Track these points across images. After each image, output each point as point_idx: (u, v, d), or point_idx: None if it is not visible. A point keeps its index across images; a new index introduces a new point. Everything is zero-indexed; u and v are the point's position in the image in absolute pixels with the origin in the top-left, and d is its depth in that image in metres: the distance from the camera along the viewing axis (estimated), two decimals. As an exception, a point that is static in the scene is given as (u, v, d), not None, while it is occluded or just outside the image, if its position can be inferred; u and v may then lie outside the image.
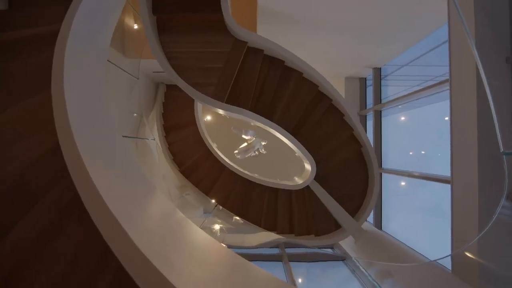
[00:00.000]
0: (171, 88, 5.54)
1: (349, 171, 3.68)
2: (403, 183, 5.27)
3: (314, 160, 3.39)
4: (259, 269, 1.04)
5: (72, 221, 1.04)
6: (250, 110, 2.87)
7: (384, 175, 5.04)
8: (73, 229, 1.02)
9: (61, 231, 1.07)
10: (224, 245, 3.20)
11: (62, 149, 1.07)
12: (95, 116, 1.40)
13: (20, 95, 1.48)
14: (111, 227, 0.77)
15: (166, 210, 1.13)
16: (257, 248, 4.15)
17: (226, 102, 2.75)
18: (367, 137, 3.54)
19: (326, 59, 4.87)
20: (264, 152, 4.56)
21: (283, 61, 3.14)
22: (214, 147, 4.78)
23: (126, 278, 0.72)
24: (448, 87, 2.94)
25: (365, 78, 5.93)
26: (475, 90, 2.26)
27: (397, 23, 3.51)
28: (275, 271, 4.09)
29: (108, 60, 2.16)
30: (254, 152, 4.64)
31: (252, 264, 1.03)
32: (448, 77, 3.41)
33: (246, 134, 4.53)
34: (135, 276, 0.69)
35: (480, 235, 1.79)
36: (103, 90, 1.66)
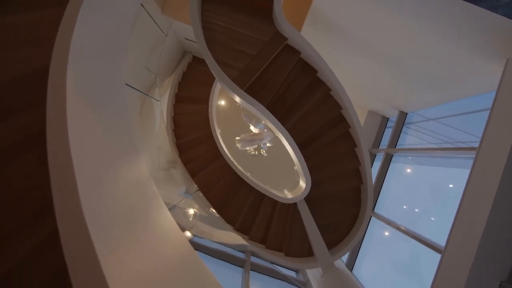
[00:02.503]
0: (197, 61, 5.41)
1: (341, 204, 3.53)
2: (386, 233, 5.14)
3: (311, 180, 3.23)
4: (210, 274, 0.89)
5: (33, 155, 0.90)
6: (267, 108, 2.71)
7: (372, 219, 4.89)
8: (30, 163, 0.88)
9: (18, 159, 0.93)
10: (189, 234, 3.06)
11: (50, 72, 0.93)
12: (103, 52, 1.26)
13: (32, 4, 1.34)
14: (62, 174, 0.63)
15: (139, 179, 0.98)
16: (224, 246, 4.01)
17: (245, 91, 2.59)
18: (371, 177, 3.39)
19: (357, 85, 4.68)
20: (265, 155, 4.37)
21: (316, 71, 2.99)
22: (218, 132, 4.63)
23: (55, 243, 0.57)
24: (473, 156, 2.77)
25: (388, 118, 5.76)
26: (503, 167, 2.10)
27: (442, 76, 3.33)
28: (234, 275, 3.96)
29: (141, 4, 2.02)
30: (255, 151, 4.46)
31: (205, 267, 0.89)
32: (475, 146, 3.27)
33: (255, 126, 4.18)
34: (64, 241, 0.54)
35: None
36: (123, 31, 1.51)
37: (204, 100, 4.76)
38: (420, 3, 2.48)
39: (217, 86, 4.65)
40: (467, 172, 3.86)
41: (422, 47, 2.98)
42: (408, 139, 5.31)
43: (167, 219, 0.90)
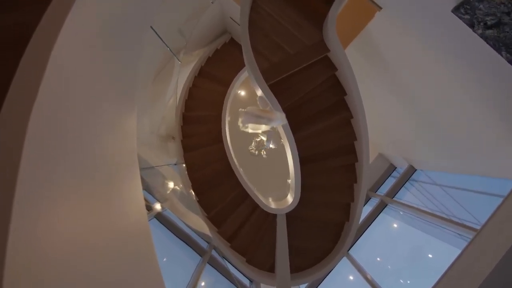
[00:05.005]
0: (233, 43, 5.30)
1: (320, 233, 3.39)
2: (351, 277, 5.03)
3: (300, 199, 3.10)
4: (157, 271, 0.77)
5: (12, 56, 0.79)
6: (284, 110, 2.59)
7: (343, 260, 4.74)
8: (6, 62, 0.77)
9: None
10: (159, 207, 2.94)
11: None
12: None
13: None
14: (26, 81, 0.51)
15: (123, 126, 0.86)
16: (192, 230, 3.90)
17: (269, 86, 2.47)
18: (359, 218, 3.25)
19: (378, 124, 4.51)
20: (265, 156, 4.22)
21: (345, 94, 2.86)
22: (227, 119, 4.52)
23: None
24: (467, 235, 2.63)
25: (395, 168, 5.60)
26: (499, 259, 1.95)
27: (470, 147, 3.15)
28: (189, 261, 3.87)
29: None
30: (255, 150, 4.33)
31: (155, 260, 0.76)
32: (471, 226, 3.12)
33: None
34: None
35: None
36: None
37: (226, 83, 4.65)
38: (472, 62, 2.31)
39: (243, 74, 4.54)
40: (450, 248, 3.71)
41: (460, 111, 2.82)
42: (407, 195, 5.16)
43: (133, 183, 0.77)
